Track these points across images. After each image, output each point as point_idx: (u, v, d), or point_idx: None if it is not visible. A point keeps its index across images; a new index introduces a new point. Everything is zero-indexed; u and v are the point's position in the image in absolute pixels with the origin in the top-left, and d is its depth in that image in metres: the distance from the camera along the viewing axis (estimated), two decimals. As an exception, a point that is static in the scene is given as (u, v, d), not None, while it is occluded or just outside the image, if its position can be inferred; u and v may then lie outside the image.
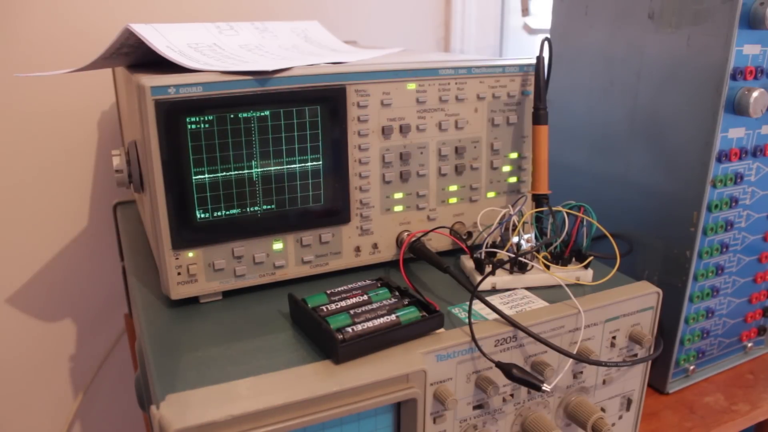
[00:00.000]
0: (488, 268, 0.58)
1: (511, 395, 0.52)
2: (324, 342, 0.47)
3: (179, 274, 0.54)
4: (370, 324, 0.47)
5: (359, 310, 0.49)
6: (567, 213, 0.58)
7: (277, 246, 0.57)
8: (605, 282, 0.58)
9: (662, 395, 0.71)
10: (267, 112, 0.53)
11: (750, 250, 0.72)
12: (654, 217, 0.70)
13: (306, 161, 0.56)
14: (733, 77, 0.61)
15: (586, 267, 0.59)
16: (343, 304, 0.50)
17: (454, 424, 0.50)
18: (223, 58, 0.58)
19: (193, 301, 0.56)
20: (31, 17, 0.84)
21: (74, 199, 0.93)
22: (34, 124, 0.88)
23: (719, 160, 0.64)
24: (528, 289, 0.58)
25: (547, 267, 0.58)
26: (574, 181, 0.79)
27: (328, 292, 0.52)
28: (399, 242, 0.63)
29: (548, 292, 0.57)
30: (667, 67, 0.66)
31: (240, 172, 0.53)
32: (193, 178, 0.52)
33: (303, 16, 0.99)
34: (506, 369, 0.48)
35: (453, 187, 0.64)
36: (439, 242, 0.65)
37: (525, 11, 1.19)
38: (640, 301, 0.57)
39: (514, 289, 0.58)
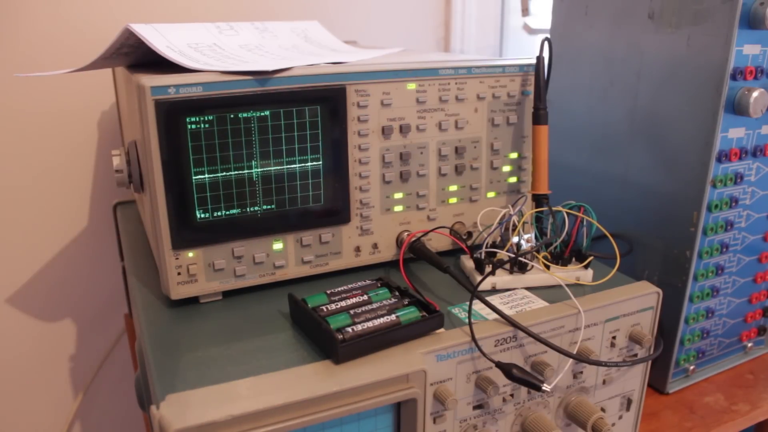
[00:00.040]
0: (488, 268, 0.58)
1: (511, 395, 0.52)
2: (324, 342, 0.47)
3: (179, 274, 0.54)
4: (370, 324, 0.47)
5: (359, 310, 0.49)
6: (567, 213, 0.58)
7: (277, 246, 0.57)
8: (605, 282, 0.58)
9: (662, 395, 0.71)
10: (267, 112, 0.53)
11: (750, 250, 0.72)
12: (654, 217, 0.70)
13: (306, 161, 0.56)
14: (733, 77, 0.61)
15: (586, 267, 0.59)
16: (343, 304, 0.50)
17: (454, 424, 0.50)
18: (223, 58, 0.58)
19: (193, 301, 0.56)
20: (31, 17, 0.84)
21: (74, 199, 0.93)
22: (34, 124, 0.88)
23: (719, 160, 0.64)
24: (528, 289, 0.58)
25: (547, 267, 0.58)
26: (574, 181, 0.79)
27: (328, 292, 0.52)
28: (399, 242, 0.63)
29: (548, 292, 0.57)
30: (667, 67, 0.66)
31: (240, 172, 0.53)
32: (193, 178, 0.52)
33: (303, 16, 0.99)
34: (506, 369, 0.48)
35: (453, 187, 0.64)
36: (439, 242, 0.65)
37: (525, 11, 1.19)
38: (640, 301, 0.57)
39: (514, 289, 0.58)
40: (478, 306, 0.54)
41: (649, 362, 0.60)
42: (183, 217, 0.53)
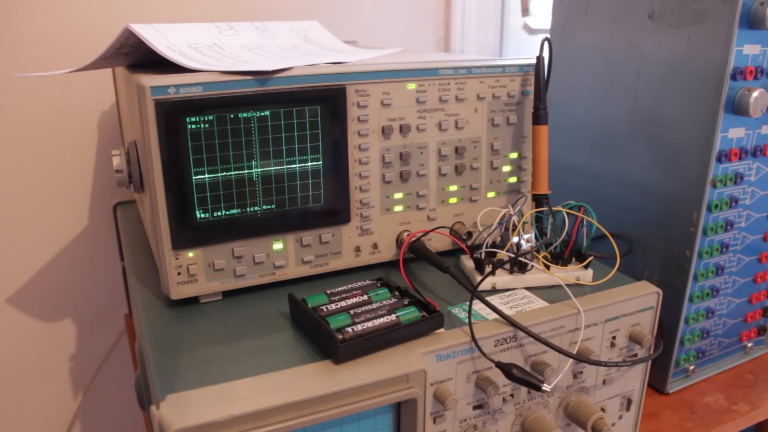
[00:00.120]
0: (488, 268, 0.58)
1: (511, 395, 0.52)
2: (324, 342, 0.47)
3: (179, 274, 0.54)
4: (370, 324, 0.47)
5: (359, 310, 0.49)
6: (567, 213, 0.58)
7: (277, 246, 0.57)
8: (605, 282, 0.58)
9: (662, 395, 0.71)
10: (267, 112, 0.53)
11: (750, 250, 0.72)
12: (654, 217, 0.70)
13: (306, 161, 0.56)
14: (733, 77, 0.61)
15: (586, 267, 0.59)
16: (343, 304, 0.50)
17: (454, 424, 0.50)
18: (223, 58, 0.58)
19: (193, 301, 0.56)
20: (32, 17, 0.84)
21: (74, 199, 0.93)
22: (34, 124, 0.88)
23: (719, 160, 0.64)
24: (528, 289, 0.58)
25: (547, 267, 0.58)
26: (574, 181, 0.79)
27: (328, 292, 0.52)
28: (399, 242, 0.63)
29: (548, 292, 0.57)
30: (667, 67, 0.66)
31: (240, 172, 0.53)
32: (193, 178, 0.52)
33: (303, 16, 0.99)
34: (506, 369, 0.48)
35: (453, 187, 0.64)
36: (439, 242, 0.65)
37: (525, 11, 1.19)
38: (640, 301, 0.57)
39: (514, 289, 0.58)
40: (478, 306, 0.54)
41: (649, 362, 0.60)
42: (183, 217, 0.53)
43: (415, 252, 0.61)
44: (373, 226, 0.61)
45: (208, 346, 0.49)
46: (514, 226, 0.59)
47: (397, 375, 0.45)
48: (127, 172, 0.57)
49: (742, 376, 0.75)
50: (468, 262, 0.61)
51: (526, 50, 1.21)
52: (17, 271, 0.92)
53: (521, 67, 0.63)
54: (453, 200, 0.64)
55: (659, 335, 0.61)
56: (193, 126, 0.51)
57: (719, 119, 0.62)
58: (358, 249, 0.61)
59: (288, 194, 0.56)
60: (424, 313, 0.49)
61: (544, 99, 0.63)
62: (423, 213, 0.63)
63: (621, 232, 0.73)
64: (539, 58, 0.63)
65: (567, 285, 0.56)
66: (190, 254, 0.54)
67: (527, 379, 0.48)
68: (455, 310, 0.54)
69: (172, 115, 0.50)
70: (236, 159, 0.53)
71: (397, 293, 0.52)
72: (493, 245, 0.59)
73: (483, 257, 0.58)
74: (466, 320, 0.51)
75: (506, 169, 0.66)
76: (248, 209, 0.55)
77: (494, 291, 0.58)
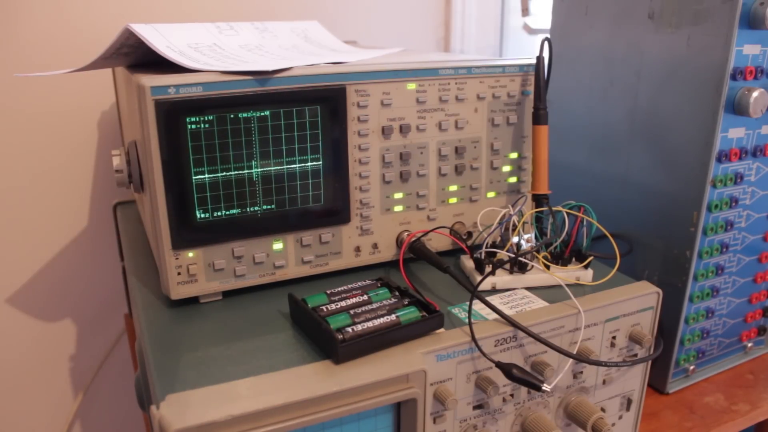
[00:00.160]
0: (488, 268, 0.58)
1: (511, 395, 0.52)
2: (324, 342, 0.47)
3: (179, 274, 0.54)
4: (370, 324, 0.47)
5: (359, 310, 0.49)
6: (567, 213, 0.58)
7: (277, 246, 0.57)
8: (605, 282, 0.58)
9: (662, 395, 0.71)
10: (267, 112, 0.53)
11: (750, 250, 0.72)
12: (654, 217, 0.70)
13: (306, 161, 0.56)
14: (733, 77, 0.61)
15: (586, 267, 0.59)
16: (343, 304, 0.50)
17: (454, 424, 0.50)
18: (223, 58, 0.58)
19: (193, 301, 0.56)
20: (31, 17, 0.84)
21: (74, 199, 0.93)
22: (34, 124, 0.88)
23: (719, 160, 0.64)
24: (528, 289, 0.58)
25: (547, 267, 0.58)
26: (574, 181, 0.79)
27: (328, 292, 0.52)
28: (399, 242, 0.63)
29: (548, 292, 0.57)
30: (667, 67, 0.66)
31: (240, 172, 0.53)
32: (193, 178, 0.52)
33: (303, 16, 0.99)
34: (506, 369, 0.48)
35: (453, 187, 0.64)
36: (439, 242, 0.65)
37: (525, 11, 1.19)
38: (640, 301, 0.57)
39: (514, 289, 0.58)
40: (478, 306, 0.54)
41: (649, 362, 0.60)
42: (183, 217, 0.53)
43: (415, 252, 0.61)
44: (373, 226, 0.61)
45: (208, 346, 0.49)
46: (514, 226, 0.59)
47: (397, 375, 0.45)
48: (127, 172, 0.57)
49: (742, 376, 0.75)
50: (468, 262, 0.61)
51: (526, 50, 1.21)
52: (17, 271, 0.92)
53: (521, 67, 0.63)
54: (453, 200, 0.64)
55: (659, 335, 0.61)
56: (193, 126, 0.51)
57: (719, 119, 0.62)
58: (358, 249, 0.61)
59: (288, 194, 0.56)
60: (424, 313, 0.49)
61: (544, 99, 0.63)
62: (423, 213, 0.63)
63: (621, 232, 0.73)
64: (539, 58, 0.63)
65: (567, 285, 0.56)
66: (190, 254, 0.54)
67: (527, 379, 0.48)
68: (455, 310, 0.54)
69: (172, 115, 0.50)
70: (236, 159, 0.53)
71: (397, 293, 0.52)
72: (493, 245, 0.59)
73: (483, 257, 0.58)
74: (466, 320, 0.51)
75: (506, 169, 0.66)
76: (248, 209, 0.55)
77: (494, 291, 0.58)
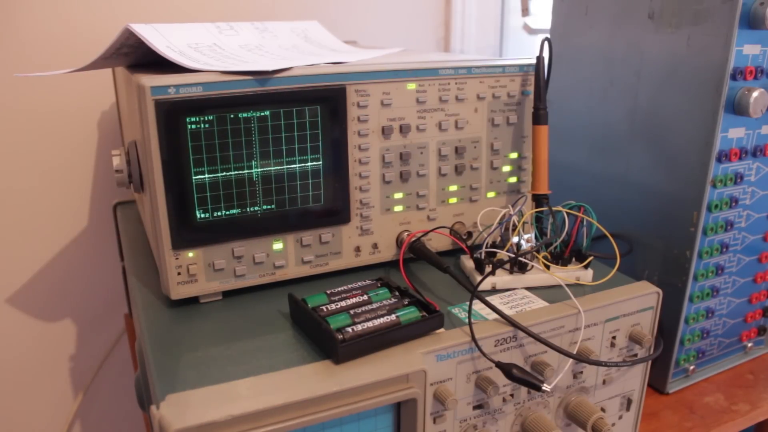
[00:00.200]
0: (488, 268, 0.58)
1: (511, 395, 0.52)
2: (324, 342, 0.47)
3: (179, 274, 0.54)
4: (370, 324, 0.47)
5: (359, 310, 0.49)
6: (567, 213, 0.58)
7: (277, 246, 0.57)
8: (605, 282, 0.58)
9: (662, 395, 0.71)
10: (267, 112, 0.53)
11: (750, 250, 0.72)
12: (654, 217, 0.70)
13: (306, 161, 0.56)
14: (733, 77, 0.61)
15: (586, 267, 0.59)
16: (343, 304, 0.50)
17: (454, 424, 0.50)
18: (223, 58, 0.58)
19: (193, 301, 0.56)
20: (31, 17, 0.84)
21: (74, 199, 0.93)
22: (34, 124, 0.88)
23: (719, 160, 0.64)
24: (528, 289, 0.58)
25: (547, 267, 0.58)
26: (574, 181, 0.79)
27: (328, 292, 0.52)
28: (399, 242, 0.63)
29: (548, 292, 0.57)
30: (667, 67, 0.66)
31: (240, 172, 0.53)
32: (193, 178, 0.52)
33: (303, 16, 0.99)
34: (506, 369, 0.48)
35: (453, 187, 0.64)
36: (439, 242, 0.65)
37: (525, 11, 1.19)
38: (640, 301, 0.57)
39: (514, 289, 0.58)
40: (478, 306, 0.54)
41: (649, 362, 0.60)
42: (183, 217, 0.53)
43: (415, 252, 0.61)
44: (373, 226, 0.61)
45: (208, 346, 0.49)
46: (514, 226, 0.59)
47: (397, 375, 0.45)
48: (127, 172, 0.57)
49: (742, 376, 0.75)
50: (468, 262, 0.61)
51: (526, 50, 1.21)
52: (17, 271, 0.92)
53: (521, 67, 0.63)
54: (453, 200, 0.64)
55: (659, 335, 0.61)
56: (193, 126, 0.51)
57: (719, 119, 0.62)
58: (358, 249, 0.61)
59: (288, 194, 0.56)
60: (424, 313, 0.49)
61: (544, 99, 0.63)
62: (423, 213, 0.63)
63: (621, 232, 0.73)
64: (539, 58, 0.63)
65: (567, 285, 0.56)
66: (190, 254, 0.54)
67: (527, 379, 0.48)
68: (455, 310, 0.54)
69: (172, 115, 0.50)
70: (236, 159, 0.53)
71: (397, 293, 0.52)
72: (493, 245, 0.59)
73: (483, 257, 0.58)
74: (466, 320, 0.51)
75: (506, 169, 0.66)
76: (248, 209, 0.55)
77: (494, 291, 0.58)
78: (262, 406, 0.41)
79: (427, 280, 0.60)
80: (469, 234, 0.66)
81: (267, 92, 0.53)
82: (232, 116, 0.52)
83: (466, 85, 0.61)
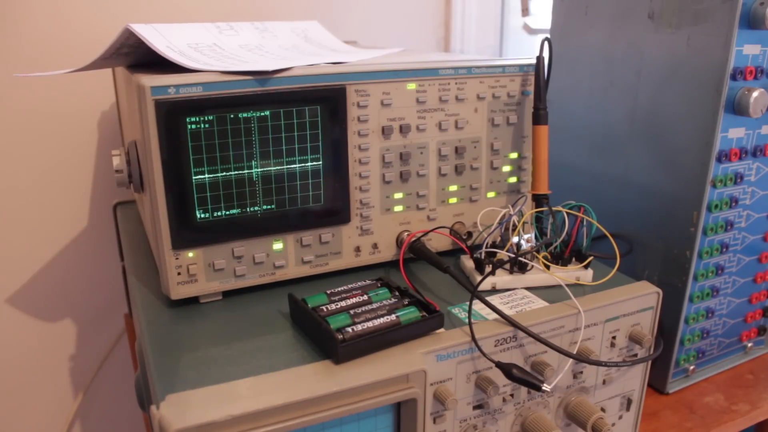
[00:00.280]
0: (488, 268, 0.58)
1: (511, 395, 0.52)
2: (324, 342, 0.47)
3: (179, 274, 0.54)
4: (370, 324, 0.47)
5: (359, 310, 0.49)
6: (567, 213, 0.58)
7: (277, 246, 0.57)
8: (605, 282, 0.58)
9: (662, 395, 0.71)
10: (267, 112, 0.53)
11: (750, 250, 0.72)
12: (654, 217, 0.69)
13: (306, 161, 0.56)
14: (733, 77, 0.61)
15: (586, 267, 0.59)
16: (343, 304, 0.50)
17: (454, 424, 0.50)
18: (223, 58, 0.58)
19: (193, 301, 0.56)
20: (32, 17, 0.84)
21: (74, 199, 0.93)
22: (34, 124, 0.88)
23: (719, 160, 0.64)
24: (528, 289, 0.58)
25: (547, 267, 0.58)
26: (574, 181, 0.79)
27: (328, 292, 0.52)
28: (399, 242, 0.63)
29: (548, 292, 0.57)
30: (667, 67, 0.66)
31: (240, 172, 0.53)
32: (193, 178, 0.52)
33: (303, 16, 0.99)
34: (506, 369, 0.48)
35: (453, 187, 0.64)
36: (439, 242, 0.65)
37: (525, 11, 1.19)
38: (640, 301, 0.57)
39: (514, 289, 0.58)
40: (478, 306, 0.54)
41: (649, 362, 0.60)
42: (183, 217, 0.53)
43: (415, 252, 0.61)
44: (373, 226, 0.61)
45: (208, 346, 0.49)
46: (514, 226, 0.59)
47: (397, 375, 0.45)
48: (127, 172, 0.57)
49: (742, 376, 0.75)
50: (468, 262, 0.61)
51: (526, 50, 1.21)
52: (17, 271, 0.92)
53: (521, 67, 0.63)
54: (453, 200, 0.64)
55: (659, 335, 0.61)
56: (193, 126, 0.51)
57: (719, 119, 0.62)
58: (358, 249, 0.61)
59: (288, 194, 0.56)
60: (424, 313, 0.49)
61: (544, 99, 0.63)
62: (423, 213, 0.63)
63: (621, 232, 0.73)
64: (539, 58, 0.63)
65: (567, 285, 0.56)
66: (190, 254, 0.54)
67: (527, 379, 0.48)
68: (455, 310, 0.54)
69: (172, 115, 0.50)
70: (236, 159, 0.53)
71: (397, 293, 0.52)
72: (493, 245, 0.59)
73: (483, 257, 0.58)
74: (466, 320, 0.51)
75: (506, 169, 0.66)
76: (248, 209, 0.55)
77: (494, 291, 0.58)
78: (262, 406, 0.41)
79: (427, 280, 0.60)
80: (469, 234, 0.66)
81: (267, 92, 0.53)
82: (232, 116, 0.52)
83: (466, 85, 0.61)
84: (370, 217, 0.61)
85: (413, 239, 0.61)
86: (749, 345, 0.78)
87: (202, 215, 0.53)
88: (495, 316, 0.51)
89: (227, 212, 0.54)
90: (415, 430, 0.47)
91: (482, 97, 0.62)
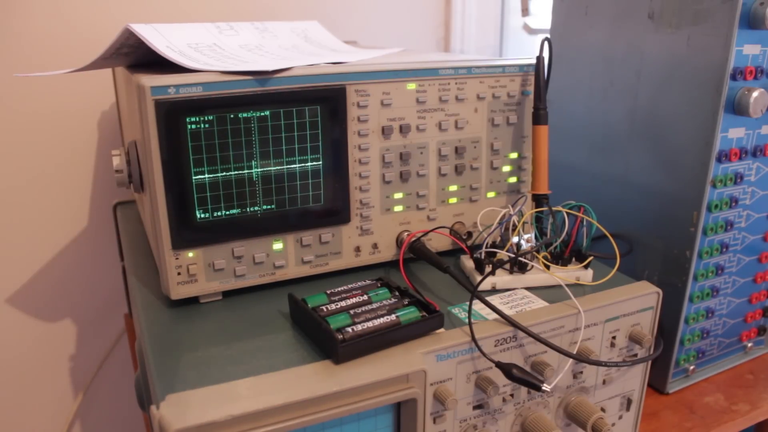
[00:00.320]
0: (488, 268, 0.58)
1: (511, 395, 0.52)
2: (324, 342, 0.47)
3: (179, 274, 0.54)
4: (370, 324, 0.47)
5: (359, 310, 0.49)
6: (567, 213, 0.58)
7: (277, 246, 0.57)
8: (605, 282, 0.58)
9: (662, 395, 0.71)
10: (267, 112, 0.53)
11: (750, 250, 0.72)
12: (654, 217, 0.70)
13: (306, 161, 0.56)
14: (733, 77, 0.61)
15: (586, 267, 0.59)
16: (343, 304, 0.50)
17: (454, 424, 0.50)
18: (223, 58, 0.58)
19: (193, 301, 0.56)
20: (31, 17, 0.84)
21: (74, 199, 0.93)
22: (34, 124, 0.88)
23: (719, 160, 0.64)
24: (528, 289, 0.58)
25: (547, 267, 0.58)
26: (574, 181, 0.79)
27: (328, 292, 0.52)
28: (399, 242, 0.63)
29: (548, 292, 0.57)
30: (667, 67, 0.66)
31: (240, 172, 0.53)
32: (193, 178, 0.52)
33: (303, 16, 0.99)
34: (506, 369, 0.48)
35: (453, 187, 0.64)
36: (439, 242, 0.65)
37: (525, 11, 1.19)
38: (640, 301, 0.57)
39: (514, 289, 0.58)
40: (478, 306, 0.54)
41: (649, 362, 0.60)
42: (183, 217, 0.53)
43: (415, 252, 0.61)
44: (373, 226, 0.61)
45: (208, 346, 0.49)
46: (514, 226, 0.59)
47: (397, 375, 0.45)
48: (127, 172, 0.57)
49: (742, 376, 0.75)
50: (468, 262, 0.61)
51: (526, 50, 1.21)
52: (17, 271, 0.92)
53: (521, 67, 0.63)
54: (453, 200, 0.64)
55: (659, 335, 0.61)
56: (193, 126, 0.51)
57: (719, 119, 0.62)
58: (358, 249, 0.61)
59: (288, 194, 0.56)
60: (424, 313, 0.49)
61: (544, 99, 0.63)
62: (423, 213, 0.63)
63: (621, 232, 0.73)
64: (539, 58, 0.63)
65: (567, 285, 0.56)
66: (190, 254, 0.54)
67: (527, 379, 0.48)
68: (455, 310, 0.54)
69: (172, 115, 0.50)
70: (236, 159, 0.53)
71: (397, 293, 0.52)
72: (493, 245, 0.59)
73: (483, 257, 0.58)
74: (466, 320, 0.51)
75: (506, 169, 0.66)
76: (248, 209, 0.55)
77: (494, 291, 0.58)
78: (262, 406, 0.41)
79: (427, 280, 0.60)
80: (469, 234, 0.66)
81: (267, 92, 0.53)
82: (232, 116, 0.52)
83: (466, 85, 0.61)
84: (370, 217, 0.61)
85: (413, 239, 0.61)
86: (749, 345, 0.78)
87: (202, 215, 0.53)
88: (495, 316, 0.51)
89: (227, 212, 0.54)
90: (415, 430, 0.47)
91: (482, 97, 0.62)
